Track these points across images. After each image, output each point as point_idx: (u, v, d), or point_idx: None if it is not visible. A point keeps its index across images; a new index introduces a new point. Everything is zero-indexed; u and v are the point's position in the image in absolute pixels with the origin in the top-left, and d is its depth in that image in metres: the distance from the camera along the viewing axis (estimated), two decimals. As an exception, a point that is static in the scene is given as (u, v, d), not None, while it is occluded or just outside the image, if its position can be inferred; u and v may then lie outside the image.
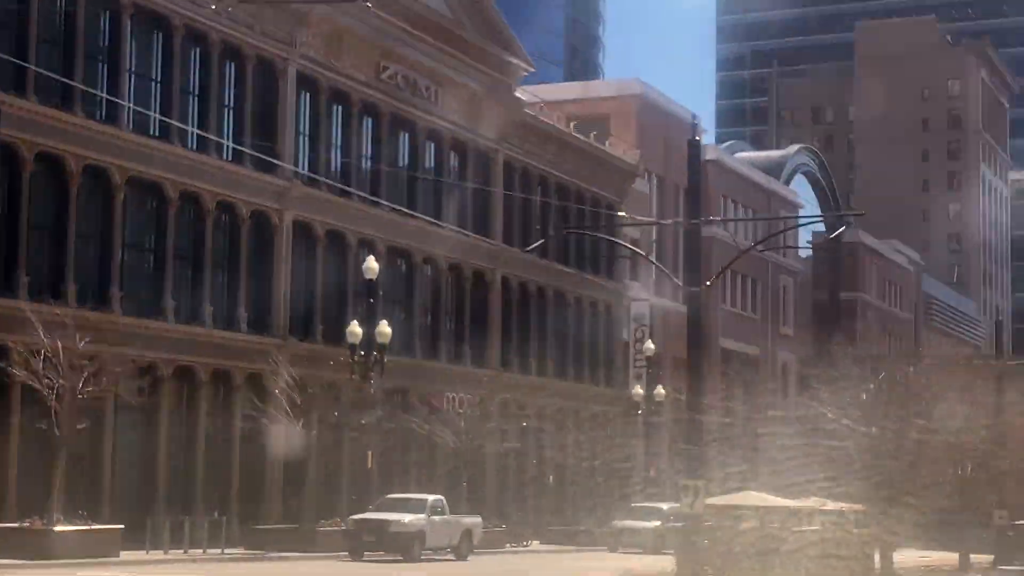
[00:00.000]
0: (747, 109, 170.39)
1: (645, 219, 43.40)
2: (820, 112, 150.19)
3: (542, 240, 47.80)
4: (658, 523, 47.67)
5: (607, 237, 43.44)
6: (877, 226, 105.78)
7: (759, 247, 44.75)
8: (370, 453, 40.82)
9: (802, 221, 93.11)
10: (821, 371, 37.86)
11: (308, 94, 46.23)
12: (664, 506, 49.28)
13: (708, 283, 27.66)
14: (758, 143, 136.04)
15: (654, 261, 37.12)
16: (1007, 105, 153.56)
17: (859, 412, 35.20)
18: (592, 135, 61.74)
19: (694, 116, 26.80)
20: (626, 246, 33.62)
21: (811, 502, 31.83)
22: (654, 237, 64.30)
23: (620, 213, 55.51)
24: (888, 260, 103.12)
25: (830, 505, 32.04)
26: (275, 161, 43.07)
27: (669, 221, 30.59)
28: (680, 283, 29.48)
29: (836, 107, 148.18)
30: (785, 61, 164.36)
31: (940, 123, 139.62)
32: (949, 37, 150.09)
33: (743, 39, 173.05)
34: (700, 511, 26.28)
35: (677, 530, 28.44)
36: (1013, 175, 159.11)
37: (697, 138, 26.37)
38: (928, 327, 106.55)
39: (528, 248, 48.82)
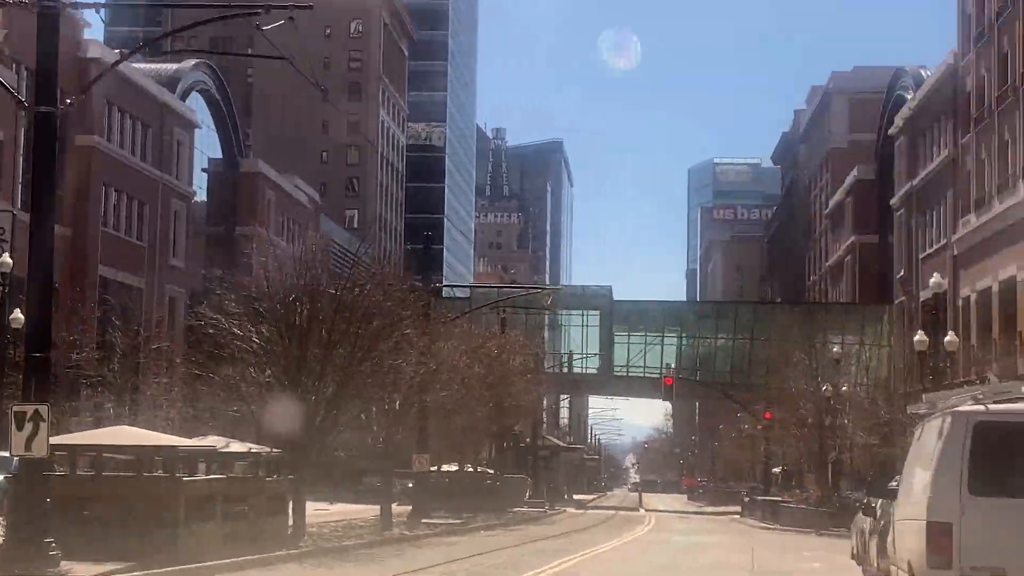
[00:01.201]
0: (141, 37, 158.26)
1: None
2: (218, 43, 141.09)
3: None
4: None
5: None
6: (278, 161, 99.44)
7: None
8: None
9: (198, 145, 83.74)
10: (215, 303, 29.55)
11: None
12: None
13: (70, 101, 18.30)
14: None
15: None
16: (407, 55, 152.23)
17: (268, 339, 27.13)
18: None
19: None
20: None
21: (211, 441, 23.35)
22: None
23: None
24: (288, 196, 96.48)
25: (236, 445, 23.73)
26: None
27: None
28: (23, 101, 19.86)
29: (238, 36, 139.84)
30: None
31: (342, 64, 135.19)
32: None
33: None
34: (44, 452, 17.03)
35: (10, 483, 18.94)
36: (411, 126, 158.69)
37: None
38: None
39: None
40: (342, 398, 27.22)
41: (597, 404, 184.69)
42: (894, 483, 14.37)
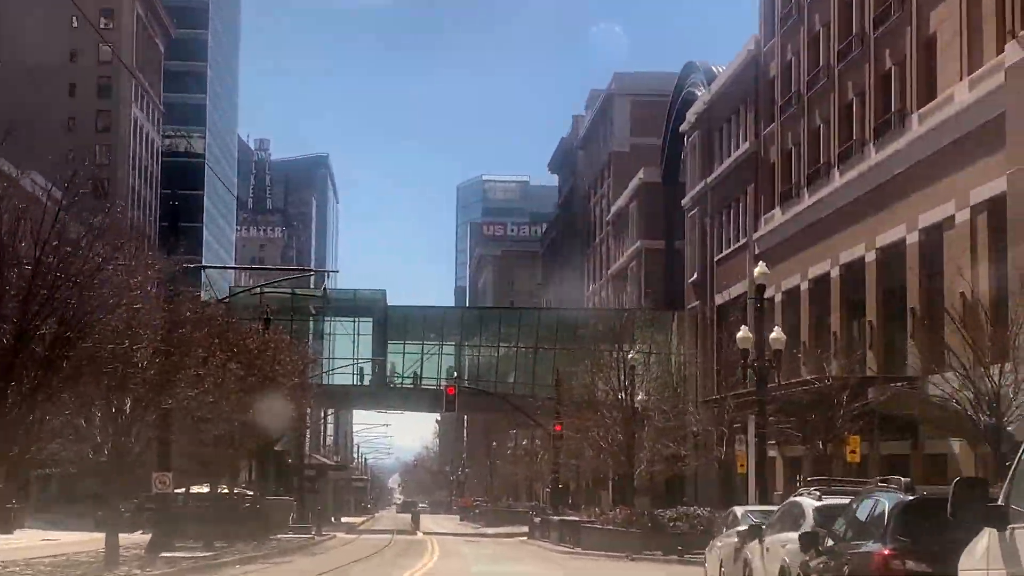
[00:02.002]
0: None
1: None
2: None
3: None
4: None
5: None
6: (16, 157, 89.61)
7: None
8: None
9: None
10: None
11: None
12: None
13: None
14: None
15: None
16: (163, 52, 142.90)
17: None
18: None
19: None
20: None
21: None
22: None
23: None
24: (25, 194, 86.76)
25: None
26: None
27: None
28: None
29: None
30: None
31: (90, 56, 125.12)
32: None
33: None
34: None
35: None
36: (168, 129, 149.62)
37: None
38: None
39: None
40: (46, 394, 20.12)
41: (363, 422, 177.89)
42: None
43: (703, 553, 37.05)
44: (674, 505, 50.99)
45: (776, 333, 38.46)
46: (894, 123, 43.48)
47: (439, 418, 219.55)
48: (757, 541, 18.23)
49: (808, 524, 15.94)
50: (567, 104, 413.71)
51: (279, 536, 47.49)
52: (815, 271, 50.33)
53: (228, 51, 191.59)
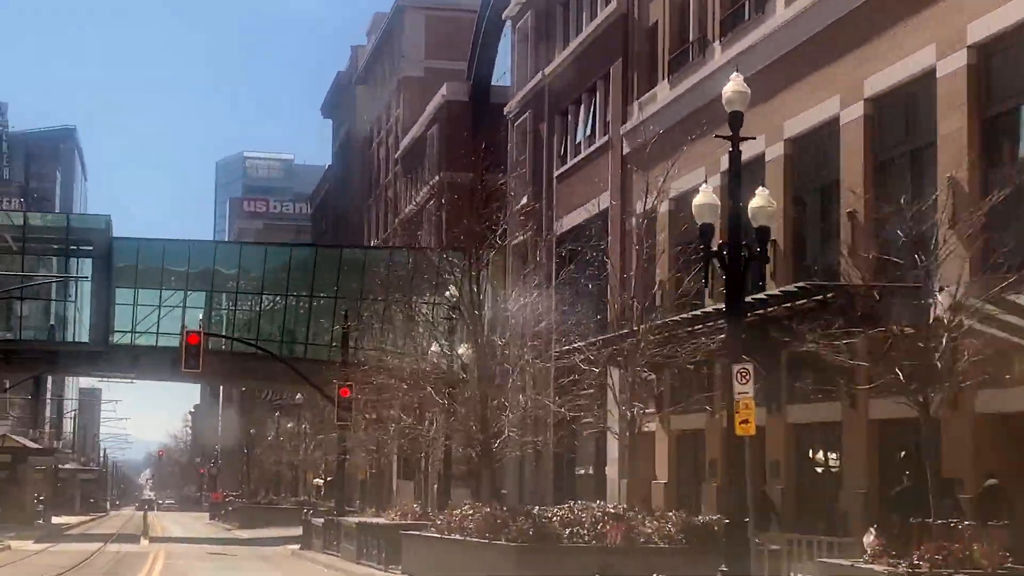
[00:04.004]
0: None
1: None
2: None
3: None
4: None
5: None
6: None
7: None
8: None
9: None
10: None
11: None
12: None
13: None
14: None
15: None
16: None
17: None
18: None
19: None
20: None
21: None
22: None
23: None
24: None
25: None
26: None
27: None
28: None
29: None
30: None
31: None
32: None
33: None
34: None
35: None
36: None
37: None
38: None
39: None
40: None
41: (105, 401, 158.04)
42: None
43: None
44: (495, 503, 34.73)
45: (761, 199, 22.18)
46: None
47: (193, 408, 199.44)
48: None
49: None
50: (346, 40, 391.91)
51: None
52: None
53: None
